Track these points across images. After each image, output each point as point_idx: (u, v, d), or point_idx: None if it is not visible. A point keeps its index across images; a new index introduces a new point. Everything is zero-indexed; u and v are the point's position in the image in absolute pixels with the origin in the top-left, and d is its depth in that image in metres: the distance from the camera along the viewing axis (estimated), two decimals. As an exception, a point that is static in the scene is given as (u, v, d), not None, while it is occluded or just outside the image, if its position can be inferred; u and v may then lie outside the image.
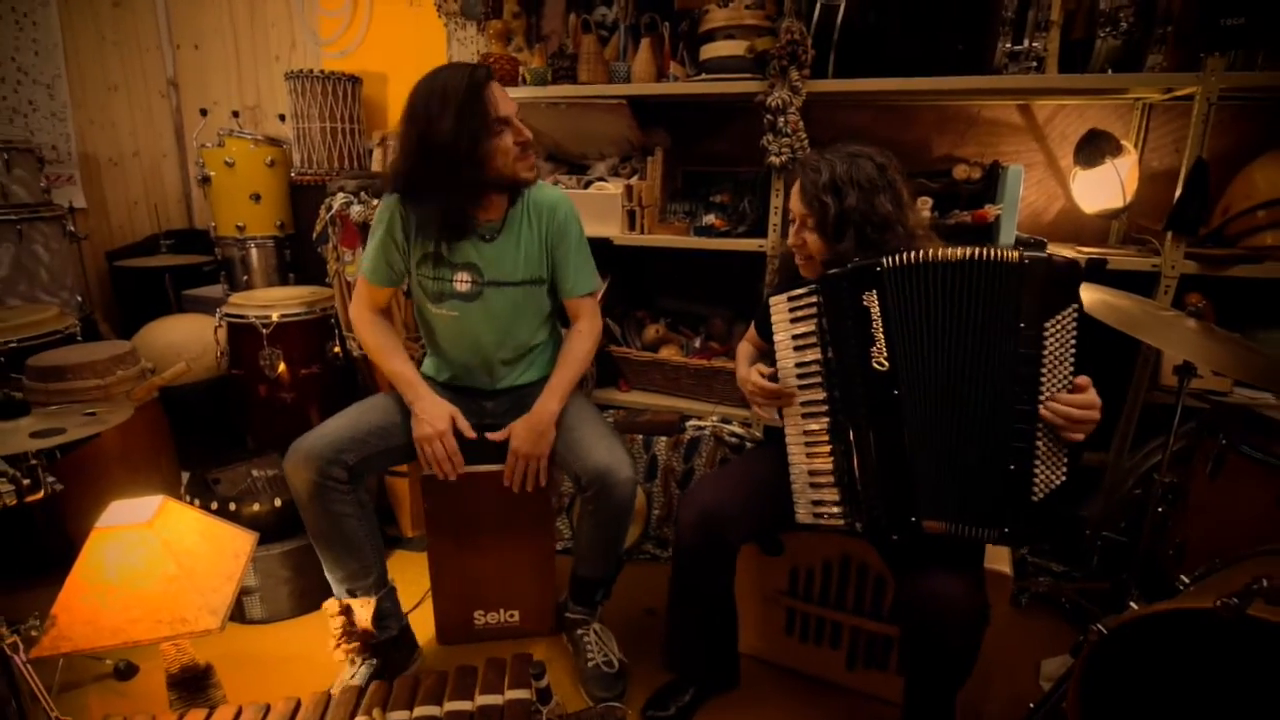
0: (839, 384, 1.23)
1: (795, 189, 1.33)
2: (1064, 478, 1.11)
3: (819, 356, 1.25)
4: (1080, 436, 1.08)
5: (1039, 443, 1.10)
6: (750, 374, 1.35)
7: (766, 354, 1.49)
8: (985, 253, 1.12)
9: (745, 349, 1.63)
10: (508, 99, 1.41)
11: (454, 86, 1.33)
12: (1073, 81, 1.73)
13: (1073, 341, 1.08)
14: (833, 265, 1.25)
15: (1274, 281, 1.67)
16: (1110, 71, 1.70)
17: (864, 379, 1.20)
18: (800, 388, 1.28)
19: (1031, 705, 1.35)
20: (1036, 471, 1.11)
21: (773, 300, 1.31)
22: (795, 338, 1.28)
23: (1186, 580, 1.29)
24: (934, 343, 1.16)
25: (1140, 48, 1.66)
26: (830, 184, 1.25)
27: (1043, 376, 1.09)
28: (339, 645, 1.50)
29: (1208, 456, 1.56)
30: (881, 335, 1.17)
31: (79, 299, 2.61)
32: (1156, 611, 1.08)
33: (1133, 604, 1.15)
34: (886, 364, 1.18)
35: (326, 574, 1.53)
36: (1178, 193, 1.68)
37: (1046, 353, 1.09)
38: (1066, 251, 1.89)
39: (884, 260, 1.17)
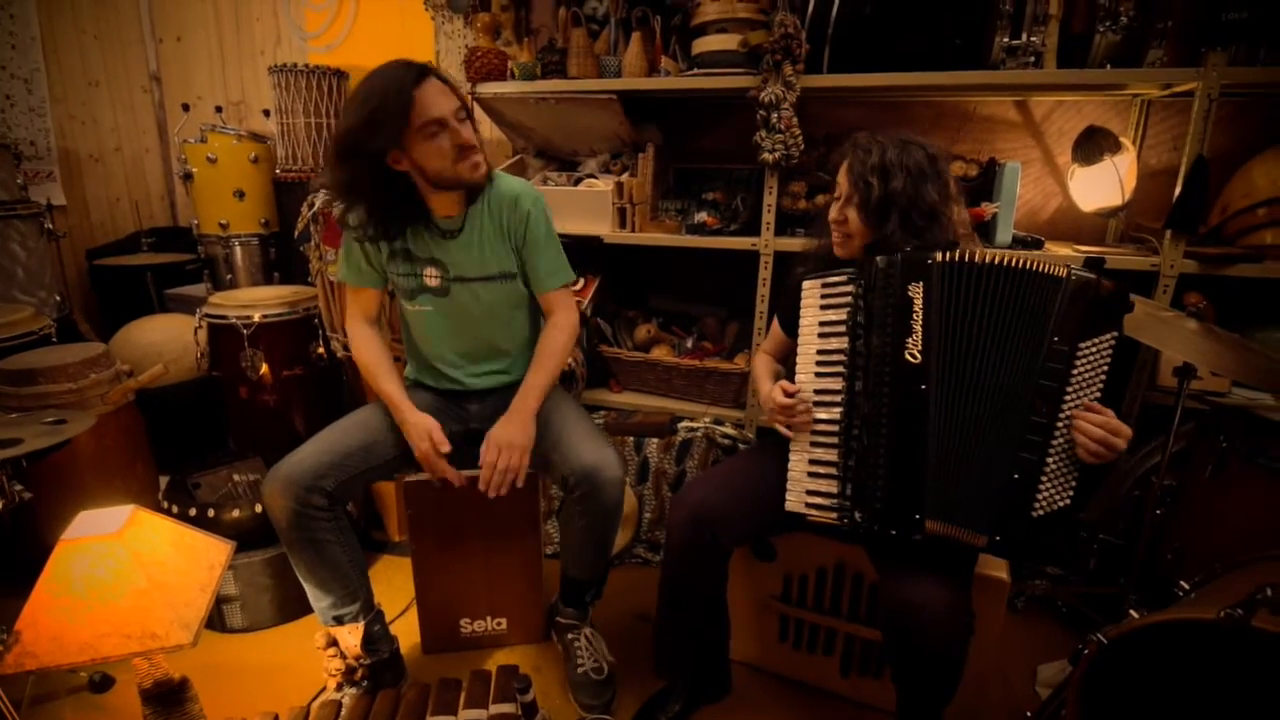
0: (864, 374, 1.20)
1: (843, 166, 1.31)
2: (1068, 502, 1.08)
3: (844, 345, 1.23)
4: (1094, 459, 1.05)
5: (1050, 460, 1.08)
6: (775, 392, 1.30)
7: (790, 354, 1.45)
8: (1032, 262, 1.11)
9: (764, 363, 1.56)
10: (445, 98, 1.32)
11: (380, 88, 1.28)
12: (1071, 77, 1.70)
13: (1105, 367, 1.07)
14: (874, 249, 1.24)
15: (1273, 281, 1.65)
16: (1110, 67, 1.66)
17: (894, 368, 1.17)
18: (818, 375, 1.25)
19: (1030, 714, 1.32)
20: (1041, 488, 1.08)
21: (806, 283, 1.28)
22: (822, 324, 1.26)
23: (1186, 586, 1.27)
24: (967, 343, 1.14)
25: (1140, 42, 1.63)
26: (879, 166, 1.23)
27: (1067, 395, 1.07)
28: (336, 681, 1.46)
29: (1208, 459, 1.54)
30: (920, 327, 1.15)
31: (58, 298, 2.55)
32: (1158, 621, 1.06)
33: (1132, 611, 1.11)
34: (920, 357, 1.15)
35: (312, 603, 1.48)
36: (1177, 191, 1.65)
37: (1076, 373, 1.07)
38: (1063, 250, 1.86)
39: (937, 254, 1.15)
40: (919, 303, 1.15)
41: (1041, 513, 1.08)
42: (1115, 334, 1.06)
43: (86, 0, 3.02)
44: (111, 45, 3.09)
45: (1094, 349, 1.07)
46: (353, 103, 1.32)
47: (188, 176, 2.67)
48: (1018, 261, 1.12)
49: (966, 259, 1.14)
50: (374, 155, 1.32)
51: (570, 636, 1.59)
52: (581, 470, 1.41)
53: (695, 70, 1.95)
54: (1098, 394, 1.07)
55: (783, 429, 1.30)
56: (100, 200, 3.19)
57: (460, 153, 1.35)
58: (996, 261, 1.13)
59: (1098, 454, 1.04)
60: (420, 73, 1.31)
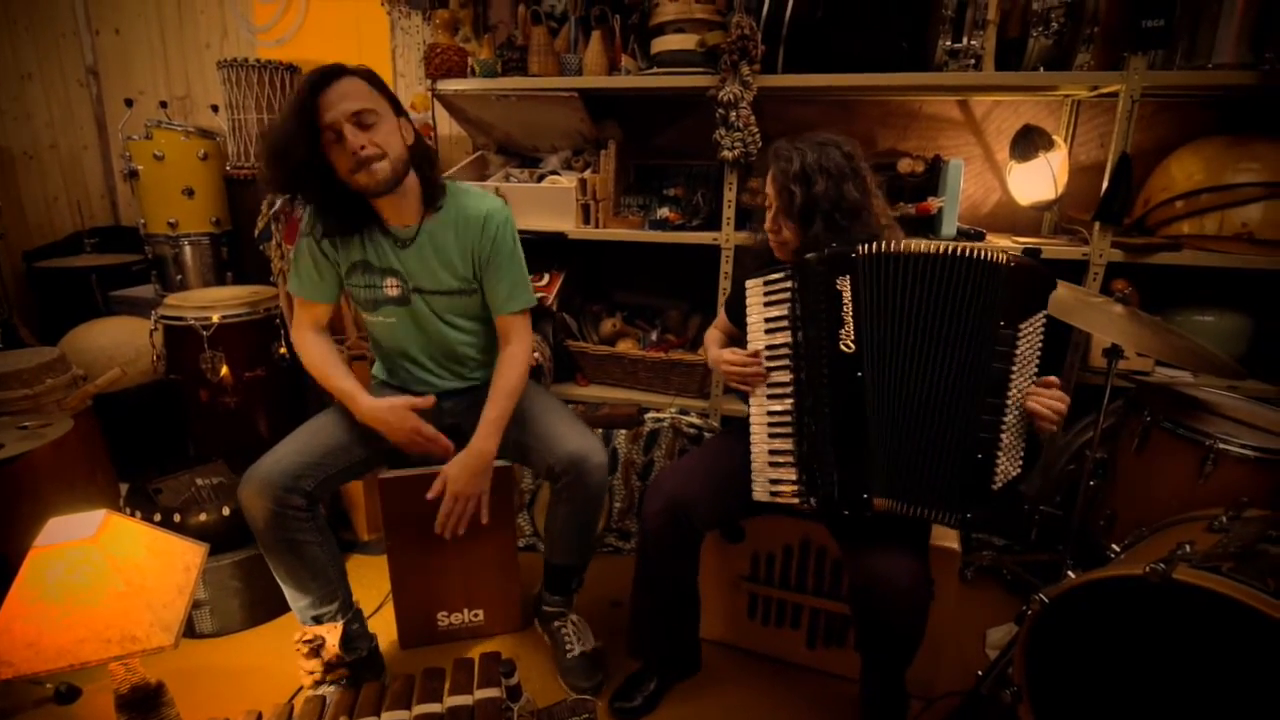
0: (806, 365, 1.26)
1: (769, 176, 1.35)
2: (1019, 470, 1.17)
3: (789, 339, 1.28)
4: (1053, 427, 1.15)
5: (1003, 435, 1.15)
6: (723, 353, 1.36)
7: (735, 340, 1.51)
8: (971, 251, 1.16)
9: (714, 335, 1.65)
10: (348, 101, 1.28)
11: (299, 87, 1.28)
12: (1007, 79, 1.80)
13: (1040, 343, 1.15)
14: (806, 250, 1.29)
15: (1190, 267, 1.79)
16: (1042, 69, 1.78)
17: (830, 359, 1.23)
18: (769, 369, 1.31)
19: (980, 673, 1.42)
20: (998, 462, 1.16)
21: (749, 283, 1.34)
22: (768, 320, 1.31)
23: (1117, 549, 1.38)
24: (904, 331, 1.20)
25: (1070, 47, 1.74)
26: (800, 173, 1.28)
27: (1012, 374, 1.14)
28: (315, 680, 1.46)
29: (1134, 432, 1.66)
30: (851, 319, 1.21)
31: (-5, 303, 2.45)
32: (1092, 579, 1.16)
33: (1070, 573, 1.22)
34: (853, 346, 1.22)
35: (290, 603, 1.48)
36: (1104, 185, 1.78)
37: (1018, 352, 1.14)
38: (1003, 241, 1.98)
39: (860, 247, 1.21)
40: (847, 295, 1.21)
41: (1000, 485, 1.16)
42: (1045, 311, 1.15)
43: (16, -10, 2.89)
44: (44, 37, 2.96)
45: (1031, 328, 1.14)
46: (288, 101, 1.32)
47: (133, 174, 2.58)
48: (955, 250, 1.16)
49: (890, 250, 1.19)
50: (296, 157, 1.30)
51: (557, 624, 1.63)
52: (569, 458, 1.44)
53: (655, 69, 2.00)
54: (1036, 369, 1.16)
55: (738, 385, 1.36)
56: (36, 199, 3.06)
57: (355, 163, 1.31)
58: (927, 251, 1.18)
59: (1054, 422, 1.14)
60: (332, 75, 1.29)
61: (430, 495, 1.45)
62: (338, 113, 1.28)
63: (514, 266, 1.52)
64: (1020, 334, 1.14)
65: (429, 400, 1.47)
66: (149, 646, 1.10)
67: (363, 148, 1.31)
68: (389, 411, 1.44)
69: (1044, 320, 1.15)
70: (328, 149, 1.32)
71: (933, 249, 1.18)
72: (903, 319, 1.20)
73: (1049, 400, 1.14)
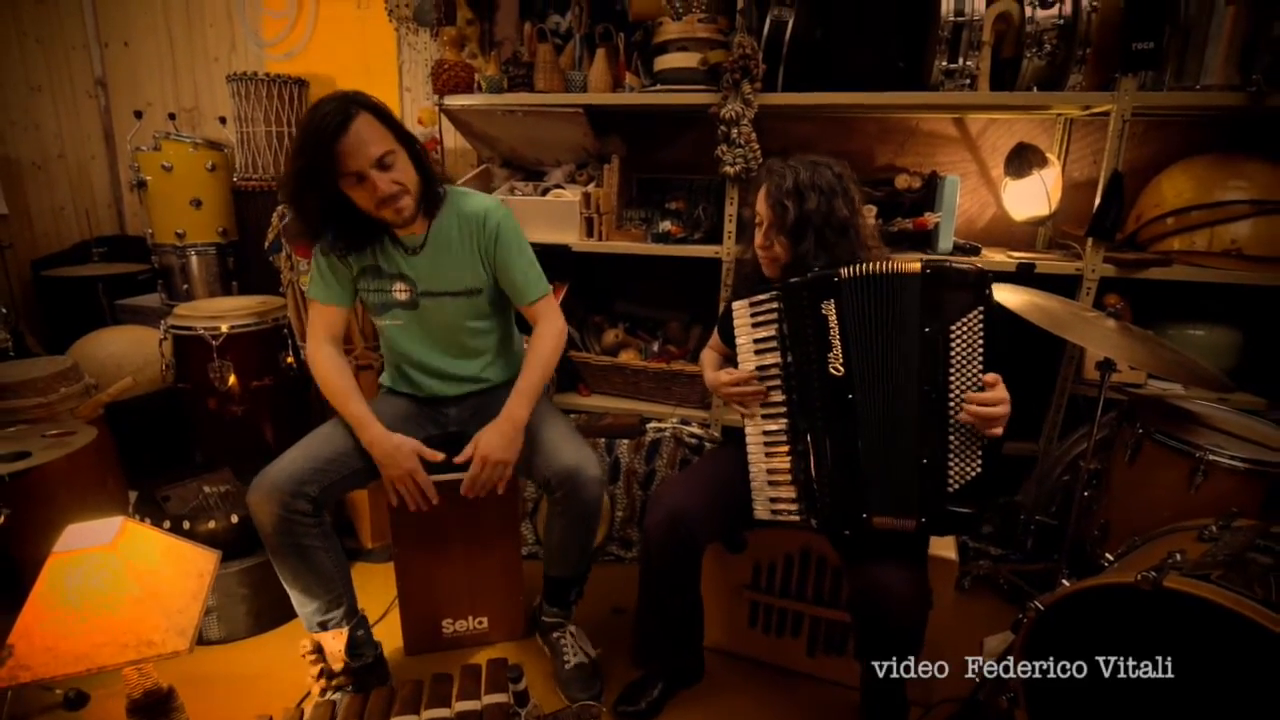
0: (797, 387, 1.29)
1: (761, 192, 1.38)
2: (979, 470, 1.18)
3: (779, 360, 1.31)
4: (997, 431, 1.15)
5: (951, 437, 1.18)
6: (720, 375, 1.40)
7: (729, 359, 1.55)
8: (889, 264, 1.19)
9: (710, 355, 1.67)
10: (368, 147, 1.31)
11: (311, 132, 1.30)
12: (1002, 98, 1.85)
13: (980, 342, 1.15)
14: (794, 267, 1.32)
15: (1181, 282, 1.83)
16: (1036, 89, 1.82)
17: (821, 383, 1.26)
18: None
19: (977, 681, 1.45)
20: (951, 464, 1.18)
21: (735, 305, 1.37)
22: (756, 341, 1.34)
23: (1110, 558, 1.41)
24: (880, 348, 1.23)
25: (1063, 67, 1.79)
26: (793, 189, 1.31)
27: (951, 375, 1.16)
28: (321, 686, 1.48)
29: (1126, 444, 1.69)
30: (838, 342, 1.24)
31: (3, 311, 2.47)
32: (1086, 587, 1.19)
33: (1065, 581, 1.24)
34: (843, 369, 1.24)
35: (297, 609, 1.50)
36: (1096, 202, 1.82)
37: (954, 353, 1.16)
38: (998, 256, 2.02)
39: (842, 270, 1.23)
40: (833, 319, 1.24)
41: (956, 486, 1.19)
42: (982, 308, 1.14)
43: (28, 3, 2.94)
44: (54, 49, 3.00)
45: (964, 328, 1.15)
46: (293, 149, 1.36)
47: (141, 185, 2.61)
48: (884, 266, 1.19)
49: (870, 271, 1.22)
50: (319, 198, 1.36)
51: (555, 635, 1.65)
52: (563, 471, 1.47)
53: (659, 86, 2.04)
54: (979, 367, 1.15)
55: (737, 407, 1.39)
56: (44, 209, 3.09)
57: (380, 202, 1.37)
58: (871, 271, 1.21)
59: (991, 420, 1.14)
60: (344, 119, 1.30)
61: (460, 458, 1.48)
62: (361, 160, 1.32)
63: (522, 258, 1.56)
64: (952, 335, 1.15)
65: (437, 455, 1.50)
66: (164, 651, 1.12)
67: (388, 189, 1.36)
68: (395, 448, 1.47)
69: (981, 317, 1.14)
70: (348, 189, 1.36)
71: (873, 267, 1.21)
72: (878, 337, 1.22)
73: (975, 409, 1.14)
